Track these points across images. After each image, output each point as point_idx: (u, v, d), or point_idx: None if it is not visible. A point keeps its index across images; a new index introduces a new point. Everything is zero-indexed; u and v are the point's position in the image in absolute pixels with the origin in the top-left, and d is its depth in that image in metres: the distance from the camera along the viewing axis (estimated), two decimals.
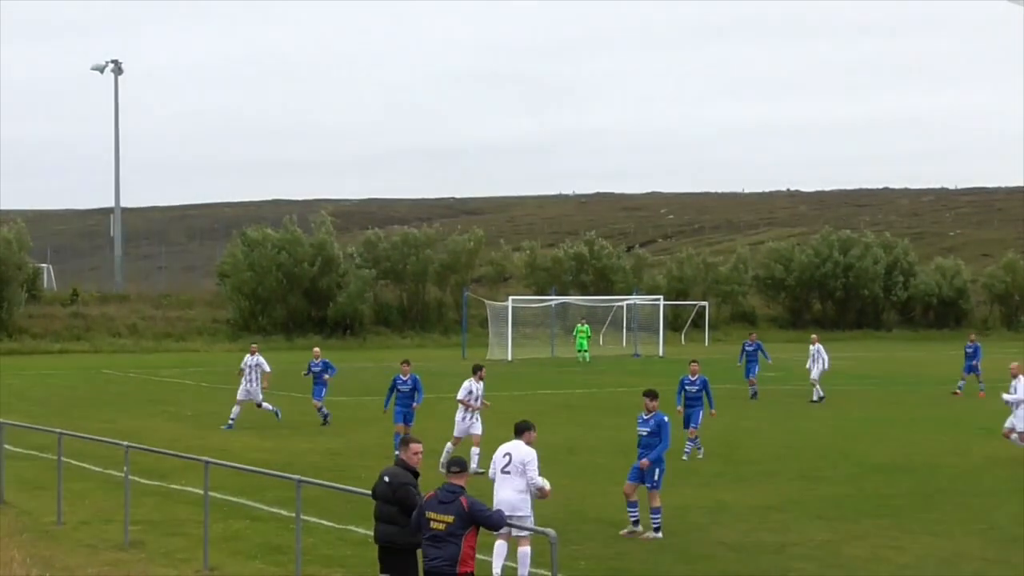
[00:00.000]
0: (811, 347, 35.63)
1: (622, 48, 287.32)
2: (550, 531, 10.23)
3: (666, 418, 16.36)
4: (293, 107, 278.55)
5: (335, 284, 64.97)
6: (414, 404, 23.11)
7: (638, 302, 62.02)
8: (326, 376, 29.06)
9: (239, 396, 28.43)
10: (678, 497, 19.08)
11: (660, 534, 15.97)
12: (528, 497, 13.31)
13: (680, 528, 16.73)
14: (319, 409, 28.72)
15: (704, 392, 23.18)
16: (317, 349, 30.86)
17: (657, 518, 16.01)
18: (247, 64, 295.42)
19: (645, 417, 16.30)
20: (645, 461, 16.01)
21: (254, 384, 28.45)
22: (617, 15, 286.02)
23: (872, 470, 22.16)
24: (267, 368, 28.69)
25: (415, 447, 11.19)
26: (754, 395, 35.30)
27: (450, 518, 10.29)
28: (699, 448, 23.18)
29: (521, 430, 13.63)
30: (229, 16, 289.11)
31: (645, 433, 16.19)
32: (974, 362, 36.79)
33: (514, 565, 13.43)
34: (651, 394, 16.41)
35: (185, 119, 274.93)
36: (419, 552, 10.75)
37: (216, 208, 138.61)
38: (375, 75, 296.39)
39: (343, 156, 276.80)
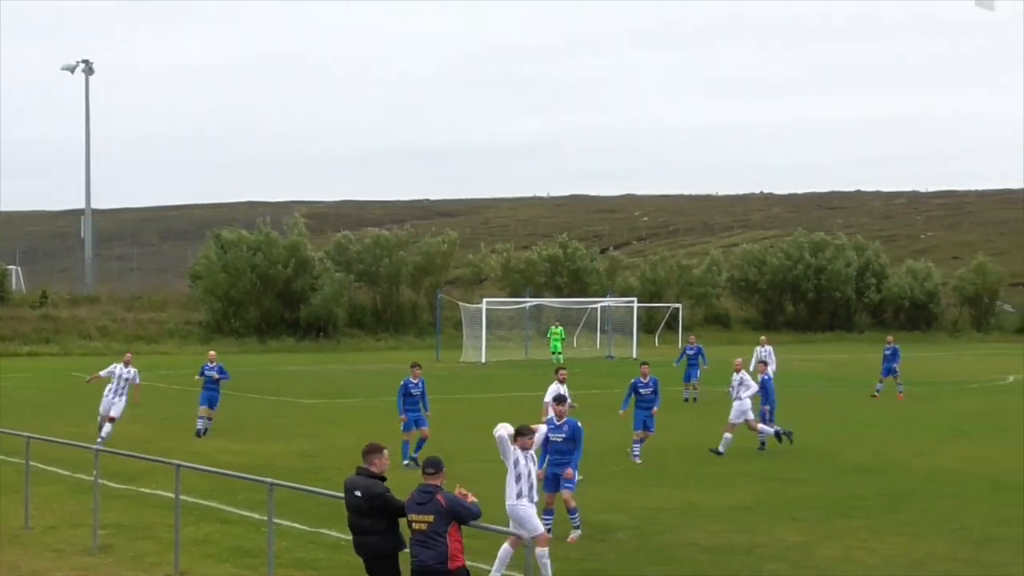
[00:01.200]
0: (759, 349, 35.41)
1: (597, 51, 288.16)
2: (524, 533, 10.23)
3: (580, 424, 16.14)
4: (266, 109, 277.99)
5: (309, 286, 64.77)
6: (426, 412, 22.74)
7: (612, 304, 62.10)
8: (221, 381, 27.36)
9: (103, 409, 25.86)
10: (649, 498, 19.14)
11: (580, 531, 15.92)
12: (512, 494, 13.34)
13: (652, 529, 16.75)
14: (209, 419, 26.84)
15: (655, 393, 23.08)
16: (213, 352, 29.05)
17: (576, 517, 15.94)
18: (221, 65, 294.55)
19: (557, 423, 15.98)
20: (569, 471, 15.71)
21: (121, 397, 25.81)
22: (592, 18, 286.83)
23: (843, 471, 22.25)
24: (138, 381, 26.28)
25: (385, 455, 11.26)
26: (688, 400, 34.82)
27: (430, 517, 10.50)
28: (637, 455, 22.78)
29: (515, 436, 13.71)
30: (202, 18, 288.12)
31: (559, 439, 15.85)
32: (893, 364, 36.74)
33: (508, 574, 13.38)
34: (561, 399, 16.34)
35: (157, 120, 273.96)
36: (403, 554, 10.82)
37: (189, 210, 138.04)
38: (349, 78, 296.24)
39: (317, 158, 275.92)
